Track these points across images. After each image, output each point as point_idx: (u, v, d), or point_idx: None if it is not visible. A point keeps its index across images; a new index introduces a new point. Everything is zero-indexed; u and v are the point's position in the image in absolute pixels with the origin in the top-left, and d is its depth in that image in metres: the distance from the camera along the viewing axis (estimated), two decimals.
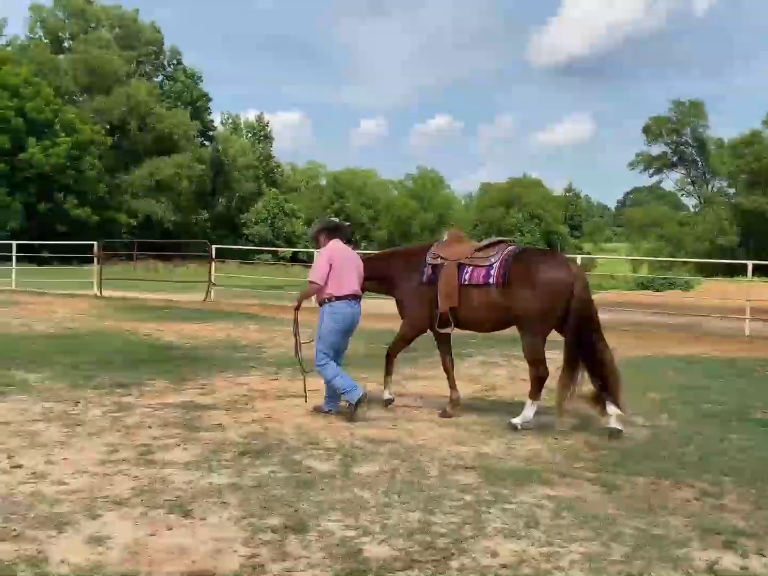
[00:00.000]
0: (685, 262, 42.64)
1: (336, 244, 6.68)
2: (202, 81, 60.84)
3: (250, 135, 70.83)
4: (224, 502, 4.19)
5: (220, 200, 65.10)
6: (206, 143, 60.98)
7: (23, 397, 6.98)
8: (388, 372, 6.98)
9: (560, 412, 6.11)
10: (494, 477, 4.81)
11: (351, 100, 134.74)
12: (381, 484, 4.59)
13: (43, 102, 41.90)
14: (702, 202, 66.63)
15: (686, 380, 8.86)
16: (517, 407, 6.58)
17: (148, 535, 3.70)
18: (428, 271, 6.65)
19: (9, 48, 49.85)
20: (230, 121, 71.12)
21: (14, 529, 3.73)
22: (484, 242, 6.71)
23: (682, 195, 75.22)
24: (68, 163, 41.89)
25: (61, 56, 53.20)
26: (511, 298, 6.18)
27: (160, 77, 60.48)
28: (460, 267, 6.48)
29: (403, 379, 8.30)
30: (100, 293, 19.83)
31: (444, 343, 6.92)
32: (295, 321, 6.82)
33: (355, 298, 6.59)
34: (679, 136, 65.91)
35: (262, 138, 71.45)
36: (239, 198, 66.26)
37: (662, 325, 15.91)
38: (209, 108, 62.01)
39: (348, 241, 7.11)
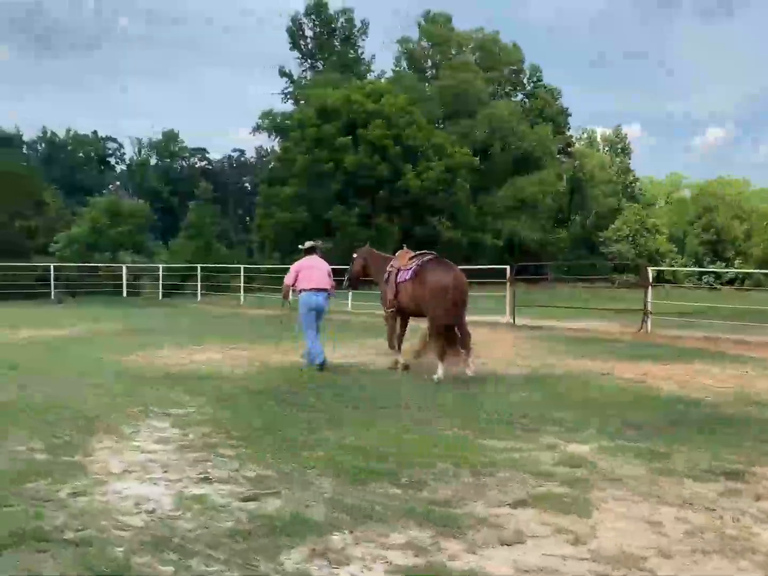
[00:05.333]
0: None
1: (305, 258, 10.64)
2: (561, 96, 59.13)
3: (607, 149, 67.42)
4: None
5: (575, 218, 62.66)
6: (564, 159, 58.94)
7: (619, 492, 5.05)
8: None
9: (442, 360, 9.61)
10: None
11: (692, 107, 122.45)
12: None
13: (417, 129, 43.16)
14: None
15: None
16: None
17: None
18: (386, 276, 10.35)
19: (382, 80, 52.75)
20: (585, 135, 68.50)
21: None
22: (416, 253, 10.32)
23: None
24: (440, 187, 42.56)
25: (427, 84, 55.09)
26: (416, 291, 9.79)
27: (520, 96, 59.95)
28: (399, 271, 10.13)
29: None
30: (514, 321, 18.40)
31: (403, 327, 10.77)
32: (283, 303, 11.44)
33: (320, 290, 10.31)
34: None
35: (619, 151, 67.62)
36: (595, 215, 63.16)
37: None
38: (568, 124, 60.01)
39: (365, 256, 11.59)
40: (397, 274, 10.17)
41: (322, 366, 10.19)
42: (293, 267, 10.64)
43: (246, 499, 4.81)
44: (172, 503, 4.74)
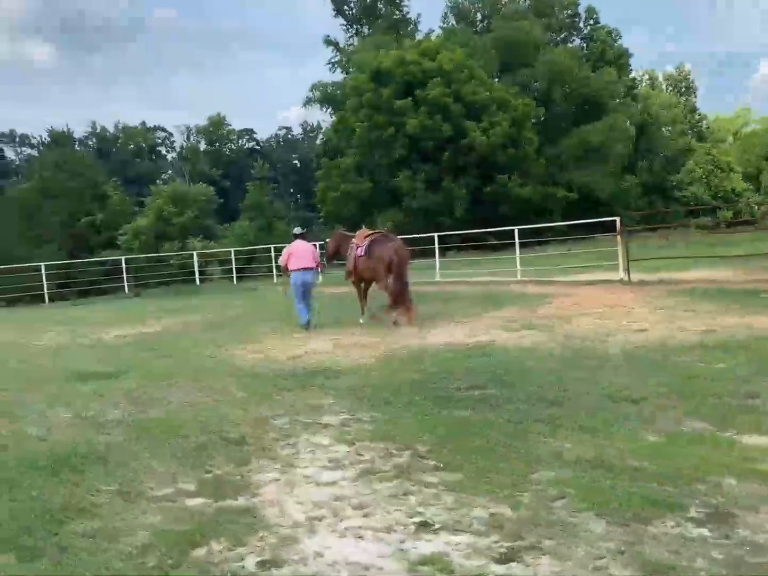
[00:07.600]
0: None
1: (295, 241, 12.83)
2: (621, 38, 55.86)
3: (671, 88, 63.94)
4: None
5: (643, 162, 59.52)
6: (628, 103, 55.77)
7: None
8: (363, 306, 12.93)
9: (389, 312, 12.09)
10: None
11: (745, 42, 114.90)
12: None
13: (477, 84, 41.12)
14: None
15: None
16: None
17: None
18: (350, 250, 12.69)
19: (434, 38, 50.37)
20: (646, 76, 64.99)
21: None
22: (371, 231, 12.91)
23: None
24: (506, 142, 40.52)
25: (479, 37, 52.56)
26: (367, 262, 12.21)
27: (577, 41, 56.94)
28: (357, 247, 12.46)
29: None
30: (628, 278, 16.75)
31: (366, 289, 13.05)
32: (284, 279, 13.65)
33: (306, 269, 12.46)
34: None
35: (683, 90, 64.08)
36: (664, 158, 59.85)
37: None
38: (630, 66, 56.70)
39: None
40: (356, 249, 12.49)
41: (307, 326, 12.29)
42: (285, 250, 12.88)
43: (503, 560, 3.48)
44: (403, 572, 3.45)
